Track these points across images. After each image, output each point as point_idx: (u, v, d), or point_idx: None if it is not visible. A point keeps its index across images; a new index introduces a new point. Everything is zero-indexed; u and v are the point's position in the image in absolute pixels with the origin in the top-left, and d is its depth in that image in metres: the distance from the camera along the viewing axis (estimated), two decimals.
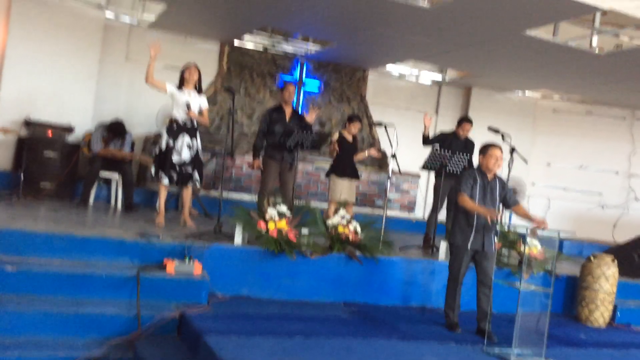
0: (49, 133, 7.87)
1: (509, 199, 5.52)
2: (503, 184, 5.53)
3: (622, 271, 6.86)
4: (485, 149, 5.49)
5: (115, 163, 7.59)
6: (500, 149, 5.46)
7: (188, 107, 6.37)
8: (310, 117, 6.95)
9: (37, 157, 7.55)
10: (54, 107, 8.29)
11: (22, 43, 8.20)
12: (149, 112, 8.98)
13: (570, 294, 6.98)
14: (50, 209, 6.73)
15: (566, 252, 8.88)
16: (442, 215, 7.74)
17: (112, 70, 9.04)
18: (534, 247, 6.66)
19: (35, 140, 7.65)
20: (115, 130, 7.59)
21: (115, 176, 7.64)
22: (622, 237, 9.58)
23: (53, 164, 7.63)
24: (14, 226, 5.19)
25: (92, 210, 7.15)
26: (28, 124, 7.96)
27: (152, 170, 6.53)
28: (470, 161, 7.35)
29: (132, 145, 7.93)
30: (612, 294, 6.62)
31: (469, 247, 5.36)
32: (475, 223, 5.33)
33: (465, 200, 5.30)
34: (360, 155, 7.55)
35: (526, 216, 5.42)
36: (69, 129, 8.12)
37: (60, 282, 4.74)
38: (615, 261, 6.70)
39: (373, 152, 7.68)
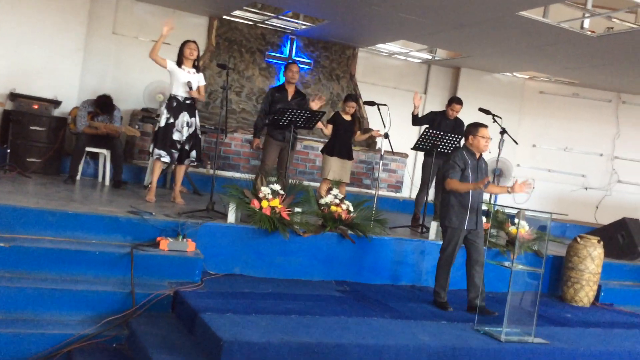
0: (35, 107, 7.74)
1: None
2: (485, 163, 5.59)
3: (607, 252, 7.00)
4: (475, 129, 5.45)
5: (104, 138, 7.48)
6: (488, 129, 5.48)
7: (190, 86, 6.34)
8: (315, 105, 6.87)
9: (23, 131, 7.42)
10: (40, 81, 8.15)
11: (8, 16, 8.01)
12: (136, 86, 8.86)
13: (556, 274, 7.10)
14: (38, 184, 6.64)
15: (550, 233, 8.99)
16: (430, 195, 7.79)
17: (99, 43, 8.88)
18: (522, 228, 6.75)
19: (21, 114, 7.51)
20: (103, 105, 7.46)
21: (104, 152, 7.55)
22: (605, 218, 9.74)
23: (40, 138, 7.51)
24: (4, 202, 5.11)
25: (81, 186, 7.06)
26: (14, 96, 7.82)
27: (151, 147, 6.47)
28: (459, 141, 7.37)
29: (121, 120, 7.83)
30: (597, 274, 6.75)
31: (465, 228, 5.41)
32: (470, 203, 5.38)
33: (454, 183, 5.31)
34: (361, 137, 7.51)
35: (502, 190, 5.38)
36: (56, 103, 7.99)
37: (53, 258, 4.70)
38: (601, 242, 6.82)
39: (376, 133, 7.53)
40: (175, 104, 6.41)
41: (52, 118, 7.71)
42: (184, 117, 6.41)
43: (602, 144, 11.27)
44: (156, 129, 6.48)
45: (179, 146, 6.41)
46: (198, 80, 6.51)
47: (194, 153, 6.54)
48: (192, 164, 6.66)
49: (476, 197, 5.40)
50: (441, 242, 5.61)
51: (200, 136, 6.69)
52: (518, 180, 5.22)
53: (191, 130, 6.49)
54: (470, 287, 5.54)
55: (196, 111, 6.56)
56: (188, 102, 6.45)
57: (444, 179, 5.43)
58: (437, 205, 7.58)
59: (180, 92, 6.40)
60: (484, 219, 6.61)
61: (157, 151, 6.36)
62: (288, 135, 6.88)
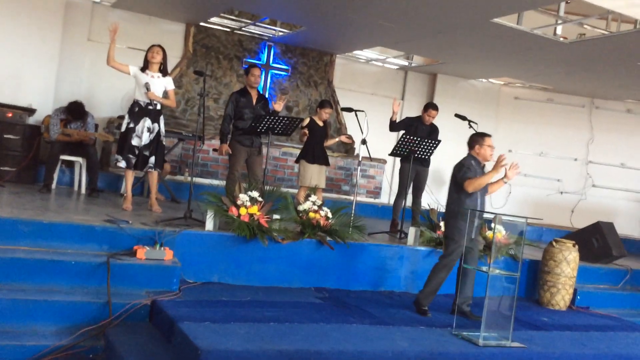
0: (9, 115, 7.63)
1: None
2: None
3: (582, 256, 7.09)
4: (481, 139, 5.52)
5: (78, 146, 7.39)
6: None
7: (147, 87, 6.24)
8: (279, 106, 6.85)
9: None
10: (14, 88, 8.06)
11: None
12: (112, 94, 8.81)
13: (532, 277, 7.18)
14: (12, 193, 6.54)
15: (527, 237, 9.07)
16: (408, 201, 7.82)
17: (74, 50, 8.79)
18: (498, 232, 6.81)
19: None
20: (74, 112, 7.35)
21: (79, 160, 7.46)
22: (580, 222, 9.87)
23: (14, 147, 7.42)
24: None
25: (56, 195, 6.98)
26: None
27: (115, 154, 6.45)
28: (436, 147, 7.42)
29: (96, 127, 7.75)
30: (573, 278, 6.83)
31: (473, 237, 5.45)
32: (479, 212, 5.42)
33: (474, 182, 5.33)
34: (331, 141, 7.55)
35: (500, 184, 5.56)
36: (30, 111, 7.90)
37: (27, 269, 4.62)
38: (577, 246, 6.91)
39: (344, 138, 7.68)
40: (137, 109, 6.33)
41: (26, 126, 7.62)
42: (145, 122, 6.32)
43: (577, 148, 11.45)
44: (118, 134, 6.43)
45: (137, 152, 6.31)
46: (165, 84, 6.44)
47: (152, 159, 6.42)
48: (149, 169, 6.50)
49: (482, 206, 5.45)
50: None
51: (164, 142, 6.59)
52: (507, 166, 5.30)
53: (152, 135, 6.39)
54: (461, 293, 5.60)
55: (161, 117, 6.47)
56: (150, 107, 6.36)
57: (461, 183, 5.39)
58: (415, 210, 7.65)
59: (143, 97, 6.33)
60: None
61: (115, 156, 6.38)
62: (256, 141, 6.86)
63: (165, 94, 6.44)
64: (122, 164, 6.33)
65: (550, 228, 10.10)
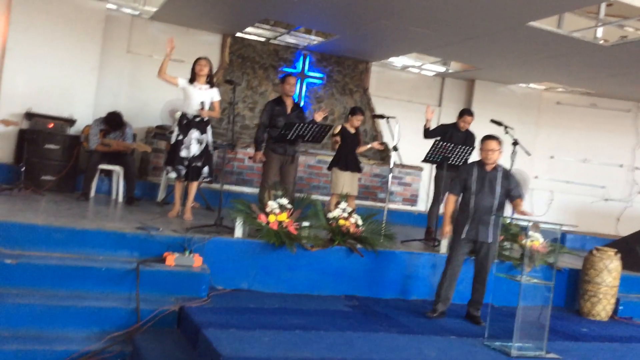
0: (51, 125, 7.86)
1: (512, 191, 5.47)
2: (507, 176, 5.48)
3: (625, 264, 6.84)
4: (480, 142, 5.55)
5: (116, 155, 7.56)
6: (496, 140, 5.45)
7: (202, 106, 6.43)
8: (318, 116, 6.89)
9: (38, 149, 7.54)
10: (55, 100, 8.28)
11: (24, 35, 8.17)
12: (151, 104, 8.95)
13: (573, 287, 6.96)
14: (51, 201, 6.72)
15: (569, 246, 8.83)
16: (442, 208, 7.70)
17: (114, 62, 9.01)
18: (535, 240, 6.62)
19: (37, 133, 7.62)
20: (112, 122, 7.51)
21: (117, 169, 7.63)
22: (626, 230, 9.52)
23: (54, 156, 7.62)
24: (13, 219, 5.17)
25: (93, 203, 7.13)
26: (29, 116, 7.96)
27: (165, 165, 6.67)
28: (470, 153, 7.30)
29: (134, 137, 7.91)
30: (615, 287, 6.59)
31: (462, 237, 5.42)
32: (471, 213, 5.40)
33: (447, 203, 5.61)
34: (362, 148, 7.52)
35: (517, 209, 5.41)
36: (71, 122, 8.12)
37: (59, 275, 4.73)
38: (618, 254, 6.67)
39: (376, 144, 7.66)
40: (185, 121, 6.51)
41: (66, 136, 7.82)
42: (193, 134, 6.48)
43: (622, 154, 11.08)
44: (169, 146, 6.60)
45: (186, 163, 6.47)
46: (212, 96, 6.59)
47: (206, 169, 6.60)
48: (204, 180, 6.71)
49: (479, 207, 5.35)
50: None
51: (212, 152, 6.73)
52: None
53: (202, 147, 6.55)
54: (471, 300, 5.61)
55: (208, 127, 6.62)
56: (197, 119, 6.51)
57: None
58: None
59: (191, 110, 6.49)
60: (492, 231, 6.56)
61: (165, 167, 6.60)
62: (289, 149, 6.88)
63: (212, 106, 6.57)
64: (173, 174, 6.52)
65: (594, 236, 9.79)
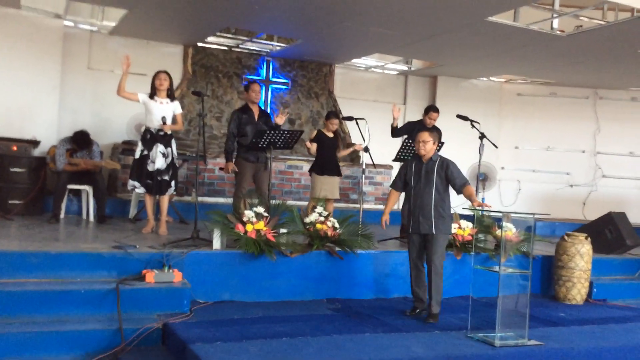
0: (14, 148, 7.70)
1: (452, 181, 5.39)
2: (443, 166, 5.39)
3: (595, 248, 7.01)
4: (415, 134, 5.74)
5: (84, 174, 7.44)
6: (429, 131, 5.56)
7: (164, 121, 6.40)
8: (280, 119, 6.87)
9: (3, 173, 7.39)
10: (17, 121, 8.13)
11: None
12: (115, 120, 8.85)
13: (547, 273, 7.10)
14: (21, 226, 6.58)
15: (539, 233, 8.95)
16: None
17: (75, 79, 8.88)
18: (508, 230, 6.74)
19: (1, 157, 7.46)
20: (80, 141, 7.40)
21: (86, 188, 7.51)
22: (592, 214, 9.78)
23: (20, 179, 7.46)
24: None
25: (65, 225, 7.01)
26: None
27: (129, 180, 6.55)
28: (439, 149, 7.39)
29: (101, 155, 7.80)
30: (588, 271, 6.76)
31: (410, 231, 5.52)
32: (410, 206, 5.53)
33: (388, 197, 5.84)
34: (344, 152, 7.58)
35: (470, 198, 5.35)
36: (35, 143, 7.97)
37: (38, 301, 4.63)
38: (589, 238, 6.84)
39: (358, 147, 7.58)
40: (148, 136, 6.48)
41: (32, 158, 7.68)
42: (158, 148, 6.46)
43: (584, 140, 11.37)
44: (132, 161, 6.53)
45: (153, 177, 6.44)
46: (173, 109, 6.56)
47: (173, 183, 6.59)
48: (172, 193, 6.68)
49: (418, 199, 5.43)
50: None
51: (176, 165, 6.71)
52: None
53: (168, 160, 6.53)
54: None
55: (172, 141, 6.59)
56: (161, 133, 6.49)
57: None
58: None
59: (153, 125, 6.47)
60: (470, 224, 6.66)
61: (131, 182, 6.52)
62: (261, 156, 6.88)
63: (174, 119, 6.54)
64: (141, 189, 6.49)
65: (562, 222, 10.01)
